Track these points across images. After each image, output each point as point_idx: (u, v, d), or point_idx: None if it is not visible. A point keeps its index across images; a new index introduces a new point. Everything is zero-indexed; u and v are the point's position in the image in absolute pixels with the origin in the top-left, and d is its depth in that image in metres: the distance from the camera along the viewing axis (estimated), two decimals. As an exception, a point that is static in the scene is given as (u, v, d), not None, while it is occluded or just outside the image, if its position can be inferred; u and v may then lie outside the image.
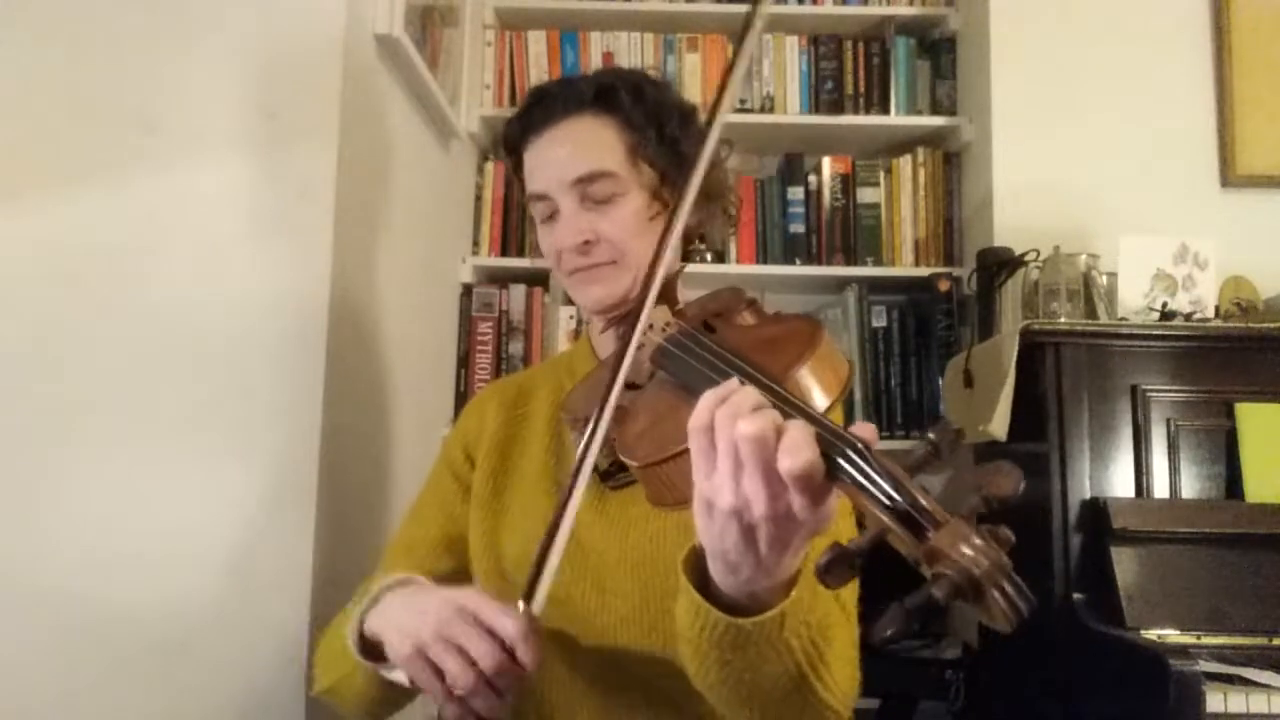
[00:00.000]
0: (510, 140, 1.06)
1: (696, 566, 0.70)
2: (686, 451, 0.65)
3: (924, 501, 0.54)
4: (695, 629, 0.71)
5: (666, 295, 0.96)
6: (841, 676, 0.77)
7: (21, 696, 1.15)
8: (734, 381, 0.63)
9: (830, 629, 0.75)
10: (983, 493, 0.54)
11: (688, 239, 1.14)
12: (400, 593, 0.88)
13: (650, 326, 0.85)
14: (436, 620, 0.75)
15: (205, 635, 1.19)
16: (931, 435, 0.59)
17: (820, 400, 0.69)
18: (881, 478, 0.56)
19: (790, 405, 0.63)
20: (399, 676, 0.80)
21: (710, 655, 0.71)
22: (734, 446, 0.59)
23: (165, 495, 1.20)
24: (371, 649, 0.85)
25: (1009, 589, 0.49)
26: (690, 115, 1.05)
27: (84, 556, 1.18)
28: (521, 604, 0.73)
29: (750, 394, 0.61)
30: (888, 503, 0.55)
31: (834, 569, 0.54)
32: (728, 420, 0.59)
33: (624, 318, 0.99)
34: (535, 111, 1.02)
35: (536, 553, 0.73)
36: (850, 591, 0.87)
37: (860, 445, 0.58)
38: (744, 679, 0.72)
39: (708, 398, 0.62)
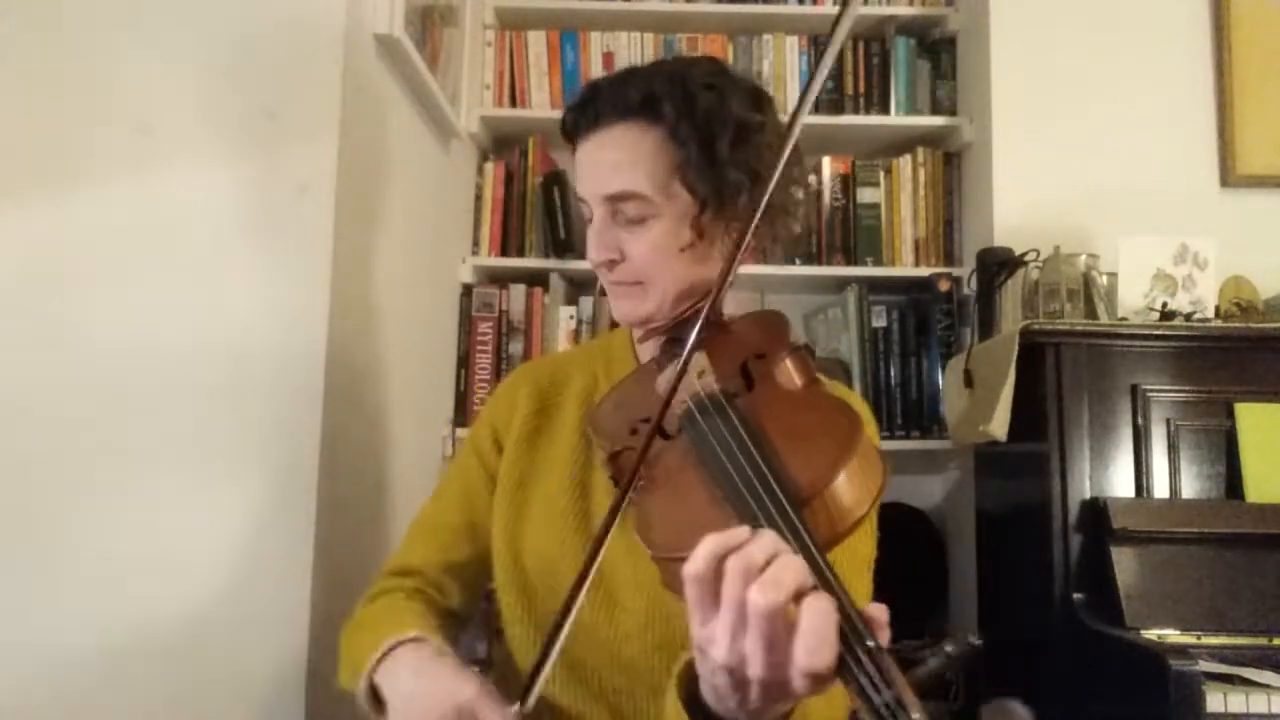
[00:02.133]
0: (566, 133, 1.00)
1: (688, 677, 0.68)
2: None
3: None
4: None
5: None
6: None
7: (24, 699, 1.15)
8: (743, 531, 0.58)
9: None
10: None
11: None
12: (412, 658, 0.88)
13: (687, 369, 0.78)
14: (438, 712, 0.76)
15: (206, 636, 1.19)
16: (949, 649, 0.55)
17: (850, 518, 0.63)
18: (887, 689, 0.52)
19: (815, 570, 0.57)
20: None
21: None
22: (740, 608, 0.55)
23: (165, 497, 1.20)
24: (378, 698, 0.88)
25: None
26: (751, 129, 0.93)
27: (84, 562, 1.18)
28: (517, 706, 0.72)
29: (765, 546, 0.56)
30: (883, 714, 0.51)
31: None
32: (738, 578, 0.55)
33: (661, 330, 0.96)
34: (587, 110, 0.96)
35: (536, 656, 0.72)
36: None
37: (875, 644, 0.54)
38: None
39: (710, 544, 0.57)
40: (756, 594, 0.54)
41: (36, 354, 1.21)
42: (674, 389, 0.74)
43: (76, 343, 1.21)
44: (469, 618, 1.09)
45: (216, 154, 1.26)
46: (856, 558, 0.92)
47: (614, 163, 0.93)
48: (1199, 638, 1.36)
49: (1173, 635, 1.37)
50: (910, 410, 2.08)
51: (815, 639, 0.53)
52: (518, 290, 2.14)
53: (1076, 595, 1.46)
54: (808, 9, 2.24)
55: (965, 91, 2.21)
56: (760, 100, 0.98)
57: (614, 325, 1.14)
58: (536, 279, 2.15)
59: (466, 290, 2.13)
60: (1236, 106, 2.00)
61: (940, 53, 2.24)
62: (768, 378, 0.80)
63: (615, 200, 0.93)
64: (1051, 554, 1.50)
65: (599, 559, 0.72)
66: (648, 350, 1.02)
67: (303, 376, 1.25)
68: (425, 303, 1.89)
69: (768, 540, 0.57)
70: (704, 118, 0.91)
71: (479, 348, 2.11)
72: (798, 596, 0.54)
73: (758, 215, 0.78)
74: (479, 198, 2.20)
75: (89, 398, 1.21)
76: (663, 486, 0.73)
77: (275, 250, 1.26)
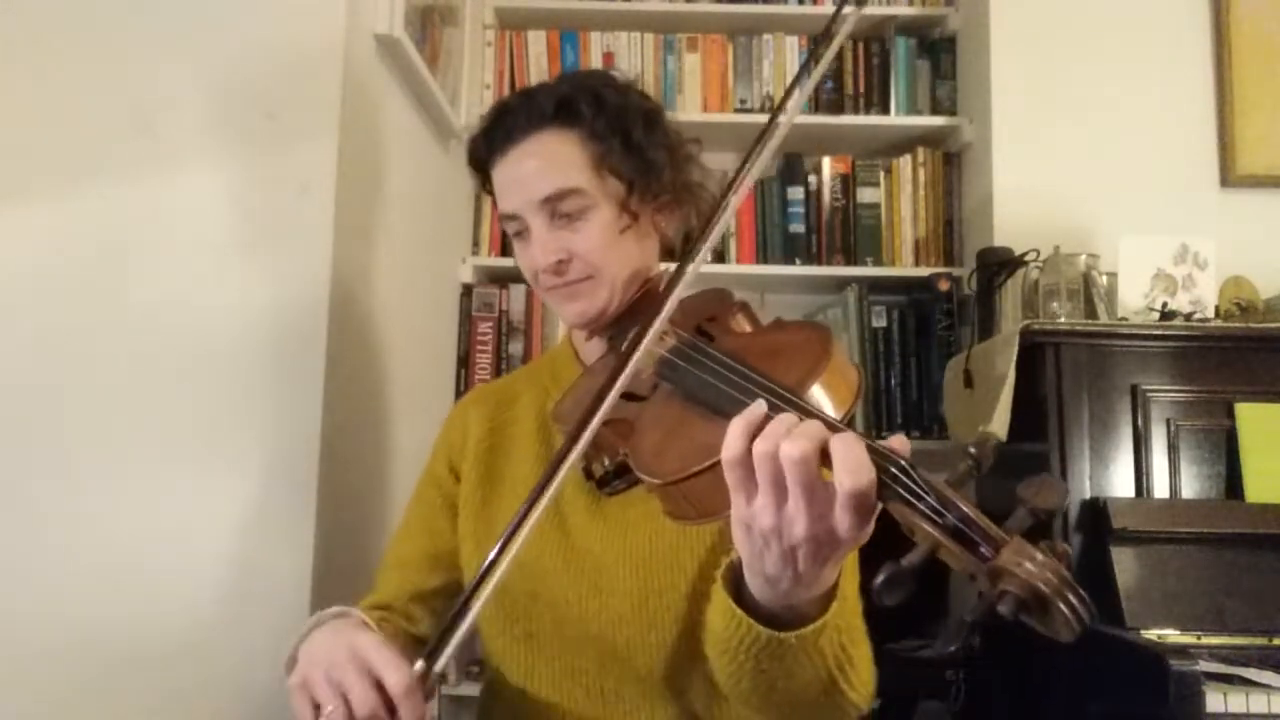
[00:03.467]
0: (477, 158, 1.04)
1: (734, 579, 0.71)
2: (709, 469, 0.64)
3: (975, 517, 0.55)
4: (733, 641, 0.72)
5: (652, 297, 0.96)
6: (866, 674, 0.79)
7: (23, 699, 1.15)
8: (760, 405, 0.62)
9: (854, 630, 0.76)
10: (1030, 505, 0.55)
11: (687, 238, 1.13)
12: (331, 624, 0.88)
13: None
14: (330, 658, 0.75)
15: (205, 636, 1.19)
16: (972, 449, 0.58)
17: (836, 413, 0.68)
18: (929, 494, 0.56)
19: (828, 424, 0.61)
20: None
21: (746, 665, 0.72)
22: (778, 472, 0.59)
23: (165, 496, 1.20)
24: None
25: (1074, 601, 0.51)
26: (654, 116, 1.02)
27: (84, 559, 1.18)
28: (421, 662, 0.71)
29: (785, 417, 0.60)
30: (938, 520, 0.55)
31: (891, 587, 0.54)
32: (769, 446, 0.59)
33: (612, 325, 0.99)
34: (498, 129, 1.00)
35: (449, 615, 0.71)
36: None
37: (905, 461, 0.58)
38: (777, 685, 0.74)
39: (738, 426, 0.61)
40: (789, 446, 0.58)
41: (37, 352, 1.21)
42: (636, 342, 0.77)
43: (76, 342, 1.21)
44: None
45: (217, 154, 1.26)
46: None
47: (541, 167, 0.97)
48: (1199, 638, 1.36)
49: (1173, 635, 1.37)
50: (910, 410, 2.08)
51: (853, 462, 0.56)
52: (518, 290, 2.14)
53: (1076, 595, 1.46)
54: (808, 9, 2.24)
55: (965, 91, 2.21)
56: (646, 93, 1.06)
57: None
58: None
59: (466, 290, 2.13)
60: (1236, 106, 2.00)
61: (940, 53, 2.24)
62: (725, 329, 0.87)
63: (553, 201, 0.96)
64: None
65: (549, 489, 0.72)
66: (593, 351, 1.05)
67: (303, 376, 1.24)
68: (425, 303, 1.88)
69: (785, 415, 0.61)
70: (615, 112, 0.98)
71: (479, 348, 2.11)
72: (824, 448, 0.58)
73: (730, 203, 0.83)
74: (479, 197, 2.20)
75: (89, 396, 1.21)
76: (654, 429, 0.76)
77: (275, 250, 1.26)
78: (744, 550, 0.65)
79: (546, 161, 0.97)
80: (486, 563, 0.71)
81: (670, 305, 0.79)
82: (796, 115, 0.83)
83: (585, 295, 0.98)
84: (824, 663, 0.72)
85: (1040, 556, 0.52)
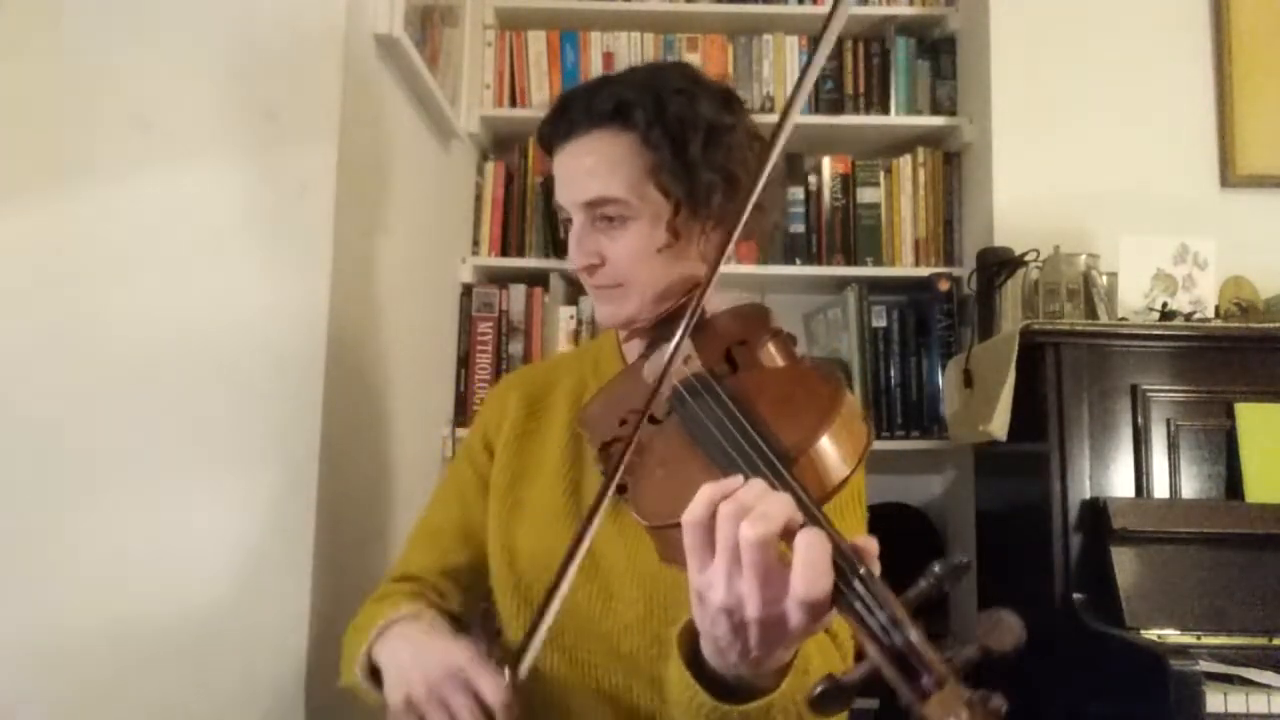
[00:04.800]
0: (544, 144, 1.03)
1: (690, 638, 0.70)
2: None
3: (919, 646, 0.53)
4: (683, 700, 0.71)
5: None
6: None
7: (24, 698, 1.14)
8: (737, 479, 0.61)
9: None
10: (981, 643, 0.53)
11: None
12: (409, 630, 0.91)
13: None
14: (431, 676, 0.79)
15: (206, 636, 1.18)
16: (937, 569, 0.56)
17: (836, 475, 0.65)
18: (881, 611, 0.54)
19: (803, 508, 0.59)
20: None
21: None
22: (733, 547, 0.57)
23: (165, 498, 1.20)
24: (377, 674, 0.89)
25: None
26: (721, 130, 0.96)
27: (85, 562, 1.18)
28: (508, 672, 0.76)
29: (754, 490, 0.59)
30: (884, 640, 0.53)
31: (825, 701, 0.53)
32: (730, 519, 0.57)
33: (648, 330, 0.99)
34: (561, 120, 0.99)
35: (530, 621, 0.75)
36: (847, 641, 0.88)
37: (865, 571, 0.56)
38: None
39: (706, 491, 0.60)
40: (747, 528, 0.56)
41: (37, 354, 1.21)
42: (664, 373, 0.77)
43: (76, 344, 1.21)
44: (469, 620, 1.10)
45: (217, 154, 1.26)
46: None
47: (589, 169, 0.95)
48: (1199, 638, 1.37)
49: (1173, 635, 1.37)
50: (910, 410, 2.08)
51: (811, 569, 0.55)
52: (518, 290, 2.14)
53: (1076, 595, 1.46)
54: (808, 9, 2.24)
55: (965, 91, 2.21)
56: (730, 102, 1.00)
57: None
58: (536, 279, 2.15)
59: (466, 290, 2.13)
60: (1236, 107, 2.00)
61: (940, 53, 2.24)
62: (751, 360, 0.83)
63: (593, 206, 0.95)
64: (1051, 554, 1.50)
65: (589, 536, 0.74)
66: (634, 350, 1.04)
67: (303, 377, 1.25)
68: (425, 303, 1.88)
69: (757, 484, 0.60)
70: (675, 122, 0.94)
71: (479, 348, 2.11)
72: (788, 533, 0.57)
73: (746, 212, 0.80)
74: (479, 198, 2.20)
75: (89, 399, 1.20)
76: (656, 465, 0.75)
77: (275, 250, 1.26)
78: (698, 618, 0.63)
79: (595, 164, 0.95)
80: (560, 567, 0.74)
81: (685, 329, 0.78)
82: (796, 117, 0.82)
83: (614, 301, 0.98)
84: None
85: (965, 715, 0.50)
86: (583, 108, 0.97)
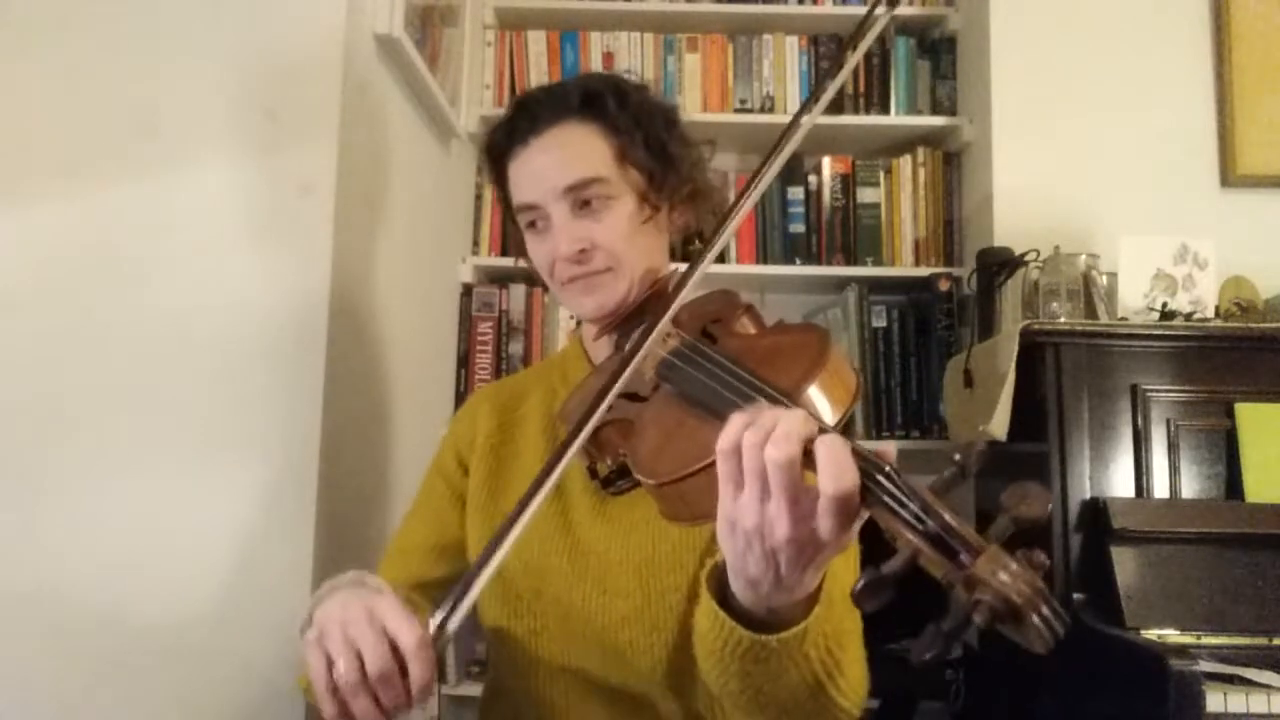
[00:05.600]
0: (495, 150, 1.04)
1: (718, 580, 0.71)
2: (703, 469, 0.65)
3: (956, 525, 0.55)
4: (718, 643, 0.72)
5: (660, 297, 0.96)
6: (855, 679, 0.79)
7: (23, 696, 1.15)
8: (763, 404, 0.63)
9: (844, 635, 0.76)
10: (1012, 514, 0.54)
11: (686, 240, 1.14)
12: (349, 588, 0.87)
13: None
14: (344, 616, 0.76)
15: (206, 635, 1.19)
16: (957, 455, 0.58)
17: (832, 415, 0.68)
18: (912, 501, 0.56)
19: (818, 422, 0.62)
20: None
21: (731, 667, 0.73)
22: (761, 471, 0.59)
23: (165, 496, 1.20)
24: None
25: (1047, 613, 0.51)
26: (672, 116, 1.05)
27: (85, 558, 1.18)
28: (432, 621, 0.72)
29: (778, 416, 0.61)
30: (919, 526, 0.55)
31: (869, 594, 0.54)
32: (755, 444, 0.59)
33: (621, 324, 1.00)
34: (521, 120, 1.00)
35: (463, 579, 0.72)
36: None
37: (889, 467, 0.58)
38: (763, 688, 0.74)
39: (737, 420, 0.61)
40: (771, 449, 0.58)
41: (37, 350, 1.21)
42: (642, 341, 0.78)
43: (77, 341, 1.21)
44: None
45: (217, 154, 1.26)
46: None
47: (567, 157, 0.98)
48: (1199, 638, 1.36)
49: (1173, 635, 1.37)
50: (910, 410, 2.08)
51: (835, 466, 0.57)
52: (518, 290, 2.14)
53: (1076, 595, 1.46)
54: (808, 9, 2.24)
55: (965, 91, 2.21)
56: (663, 97, 1.10)
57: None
58: (536, 279, 2.14)
59: (466, 290, 2.13)
60: (1236, 107, 2.00)
61: (940, 53, 2.24)
62: (729, 331, 0.88)
63: (577, 189, 0.97)
64: (1051, 554, 1.50)
65: (550, 480, 0.74)
66: (602, 350, 1.05)
67: (303, 376, 1.25)
68: (425, 302, 1.88)
69: (774, 411, 0.62)
70: (637, 108, 1.01)
71: (479, 348, 2.11)
72: (808, 447, 0.59)
73: (748, 203, 0.84)
74: (479, 197, 2.20)
75: (89, 396, 1.21)
76: (652, 432, 0.77)
77: (275, 250, 1.27)
78: (727, 551, 0.65)
79: (571, 151, 0.98)
80: (497, 533, 0.72)
81: (676, 306, 0.80)
82: (816, 118, 0.85)
83: (604, 287, 0.98)
84: (810, 667, 0.72)
85: (1015, 567, 0.52)
86: (546, 105, 1.00)
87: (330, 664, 0.72)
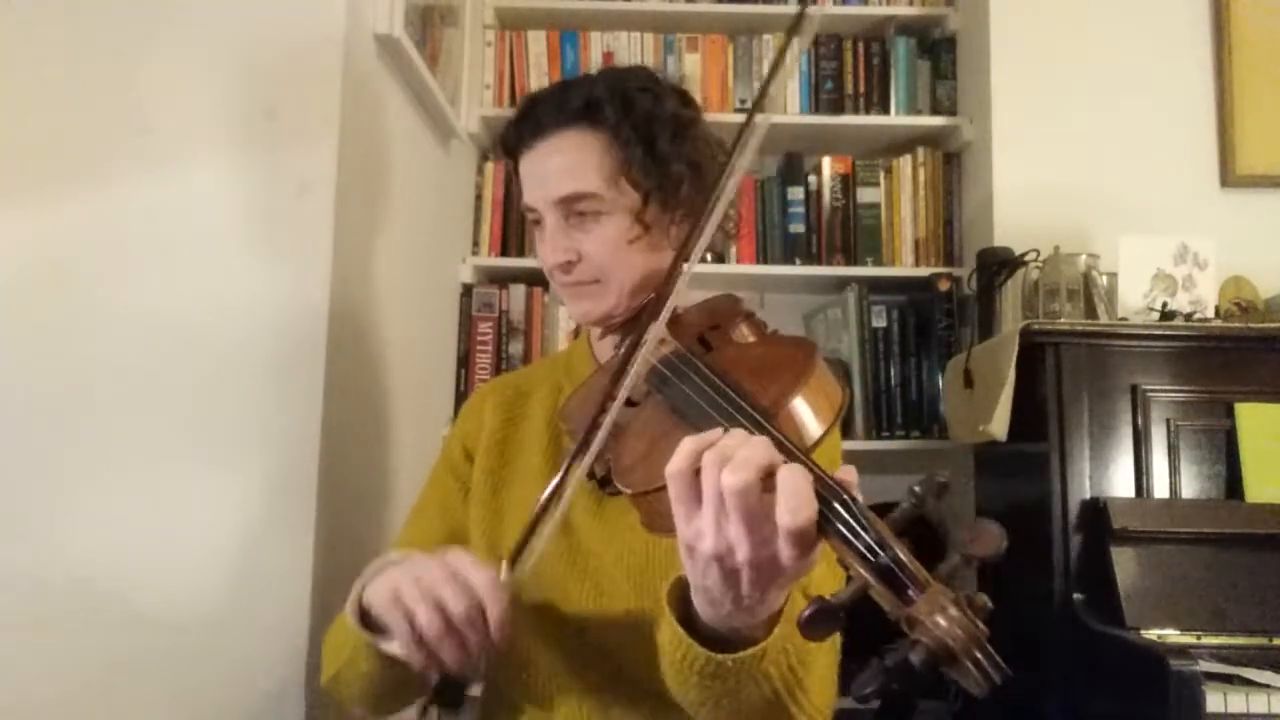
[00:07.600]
0: (508, 146, 1.05)
1: (680, 596, 0.71)
2: None
3: (905, 560, 0.54)
4: (676, 655, 0.72)
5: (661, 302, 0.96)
6: (819, 698, 0.78)
7: (24, 696, 1.15)
8: (717, 431, 0.62)
9: (809, 653, 0.75)
10: (965, 552, 0.54)
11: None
12: (401, 563, 0.88)
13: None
14: (416, 571, 0.78)
15: (206, 635, 1.19)
16: (916, 488, 0.57)
17: (814, 430, 0.68)
18: (866, 532, 0.56)
19: (782, 449, 0.62)
20: (394, 648, 0.81)
21: (690, 680, 0.72)
22: (718, 494, 0.58)
23: (165, 495, 1.20)
24: (370, 623, 0.86)
25: (982, 660, 0.51)
26: (685, 126, 1.01)
27: (84, 558, 1.18)
28: (504, 566, 0.75)
29: (741, 441, 0.60)
30: (871, 559, 0.55)
31: (815, 623, 0.54)
32: (713, 467, 0.59)
33: (620, 326, 1.00)
34: (527, 121, 1.00)
35: (528, 521, 0.76)
36: None
37: (847, 496, 0.58)
38: (722, 703, 0.73)
39: (688, 443, 0.61)
40: (729, 475, 0.57)
41: (37, 351, 1.21)
42: (632, 350, 0.79)
43: (76, 341, 1.21)
44: None
45: (217, 154, 1.26)
46: None
47: (562, 167, 0.97)
48: (1199, 638, 1.36)
49: (1173, 635, 1.37)
50: (910, 410, 2.08)
51: (794, 499, 0.56)
52: (518, 290, 2.14)
53: (1076, 595, 1.46)
54: (808, 9, 2.23)
55: (965, 91, 2.21)
56: (688, 99, 1.05)
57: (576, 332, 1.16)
58: (536, 279, 2.14)
59: (466, 290, 2.13)
60: (1236, 107, 2.00)
61: (940, 53, 2.24)
62: (725, 340, 0.88)
63: (568, 202, 0.97)
64: (1051, 554, 1.50)
65: (568, 485, 0.76)
66: (606, 350, 1.05)
67: (302, 377, 1.24)
68: (425, 302, 1.88)
69: (736, 433, 0.61)
70: (643, 118, 0.97)
71: (479, 348, 2.11)
72: (769, 474, 0.58)
73: (721, 200, 0.83)
74: (479, 197, 2.20)
75: (87, 397, 1.20)
76: (637, 439, 0.77)
77: (275, 250, 1.26)
78: (688, 570, 0.64)
79: (568, 161, 0.97)
80: (559, 476, 0.76)
81: (665, 316, 0.80)
82: (774, 116, 0.85)
83: (591, 297, 0.99)
84: (770, 684, 0.71)
85: (955, 612, 0.51)
86: (551, 108, 0.99)
87: (411, 619, 0.74)
